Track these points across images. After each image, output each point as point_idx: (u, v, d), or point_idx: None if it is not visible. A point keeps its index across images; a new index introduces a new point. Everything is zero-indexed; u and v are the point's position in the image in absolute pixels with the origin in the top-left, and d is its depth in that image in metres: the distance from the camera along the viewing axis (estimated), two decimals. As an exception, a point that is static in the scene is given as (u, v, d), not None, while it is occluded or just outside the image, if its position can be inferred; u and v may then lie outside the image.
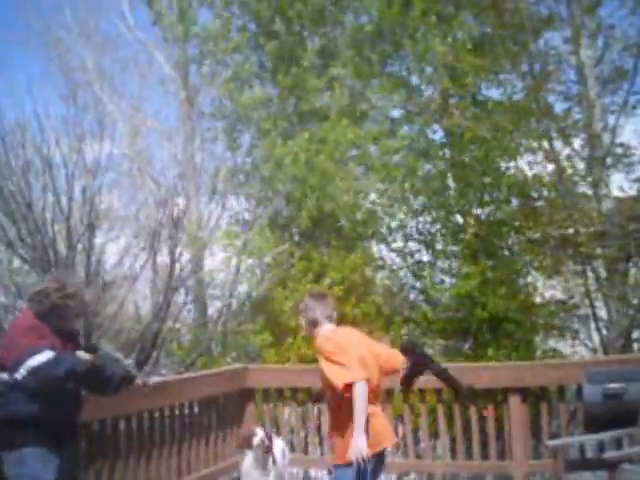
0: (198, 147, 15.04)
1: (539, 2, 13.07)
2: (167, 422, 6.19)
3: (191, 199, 14.38)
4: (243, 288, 13.91)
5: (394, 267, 14.38)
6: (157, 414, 6.09)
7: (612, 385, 5.76)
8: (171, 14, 14.53)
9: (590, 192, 12.71)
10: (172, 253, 11.98)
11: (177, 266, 12.05)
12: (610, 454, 5.76)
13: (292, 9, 13.66)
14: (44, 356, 4.14)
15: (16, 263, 12.27)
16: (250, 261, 13.76)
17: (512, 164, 13.42)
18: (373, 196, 14.17)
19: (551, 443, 6.19)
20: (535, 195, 13.26)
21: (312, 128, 13.49)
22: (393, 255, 14.47)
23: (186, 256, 12.76)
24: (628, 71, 12.50)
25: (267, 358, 11.71)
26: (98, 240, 11.97)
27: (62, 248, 11.20)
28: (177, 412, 6.37)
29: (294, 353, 11.65)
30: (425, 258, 14.16)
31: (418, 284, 14.01)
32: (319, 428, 7.47)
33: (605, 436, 5.79)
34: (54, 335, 4.37)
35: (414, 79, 14.45)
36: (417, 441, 7.39)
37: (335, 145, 12.77)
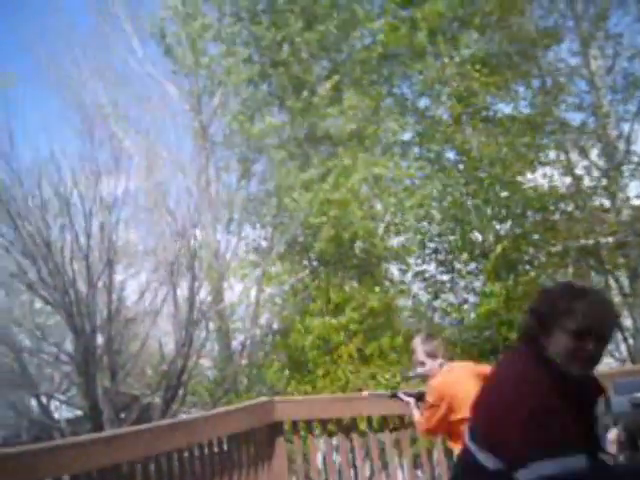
0: (213, 177, 15.09)
1: (545, 16, 13.07)
2: (197, 461, 6.12)
3: (208, 230, 14.42)
4: (266, 318, 13.88)
5: (415, 290, 14.30)
6: (186, 454, 6.02)
7: (639, 394, 5.68)
8: (180, 47, 14.64)
9: (608, 202, 12.63)
10: (191, 285, 11.98)
11: (197, 299, 12.03)
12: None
13: (300, 37, 13.74)
14: (569, 464, 2.36)
15: (37, 304, 12.29)
16: (269, 290, 13.74)
17: (530, 177, 13.36)
18: (388, 218, 14.12)
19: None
20: (553, 208, 13.19)
21: (324, 154, 13.52)
22: (413, 278, 14.38)
23: (206, 288, 12.75)
24: (640, 78, 12.47)
25: (289, 391, 11.66)
26: (118, 277, 12.00)
27: (82, 287, 11.22)
28: (206, 450, 6.28)
29: (315, 386, 11.60)
30: (445, 278, 14.07)
31: (442, 305, 13.91)
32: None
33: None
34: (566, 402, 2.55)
35: (423, 101, 14.51)
36: (431, 460, 7.28)
37: (357, 179, 12.79)
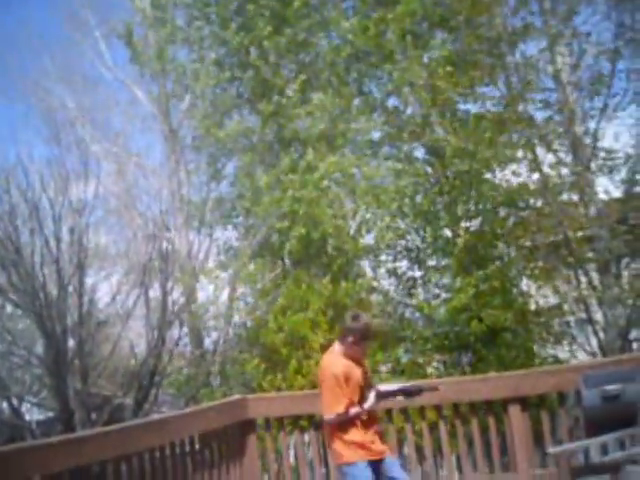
0: (183, 180, 15.09)
1: (512, 15, 13.12)
2: (169, 460, 6.11)
3: (180, 231, 14.41)
4: (238, 317, 13.89)
5: (387, 287, 14.35)
6: (158, 453, 6.01)
7: (609, 387, 5.72)
8: (148, 51, 14.62)
9: (576, 197, 12.74)
10: (163, 287, 11.96)
11: (170, 299, 12.02)
12: (613, 456, 5.71)
13: (268, 40, 13.75)
14: None
15: (8, 309, 12.22)
16: (242, 289, 13.76)
17: (498, 174, 13.46)
18: (359, 217, 14.17)
19: (552, 450, 6.13)
20: (522, 204, 13.28)
21: (294, 155, 13.55)
22: (385, 275, 14.44)
23: (178, 289, 12.74)
24: (606, 75, 12.57)
25: (264, 386, 11.66)
26: (89, 280, 11.96)
27: (53, 290, 11.17)
28: (178, 449, 6.28)
29: (288, 383, 11.61)
30: (417, 274, 14.14)
31: (413, 301, 13.96)
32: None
33: (607, 438, 5.75)
34: None
35: (392, 100, 14.57)
36: (421, 460, 7.31)
37: (320, 174, 12.81)
